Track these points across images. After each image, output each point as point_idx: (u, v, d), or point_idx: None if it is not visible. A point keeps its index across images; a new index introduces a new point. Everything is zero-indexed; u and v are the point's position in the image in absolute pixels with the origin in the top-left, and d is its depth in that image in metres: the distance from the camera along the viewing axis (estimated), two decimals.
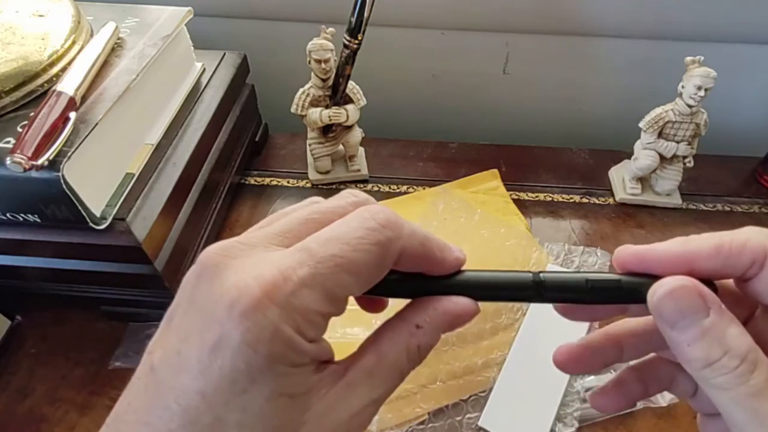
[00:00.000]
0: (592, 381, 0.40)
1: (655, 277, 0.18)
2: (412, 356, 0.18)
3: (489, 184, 0.56)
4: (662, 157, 0.52)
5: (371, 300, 0.21)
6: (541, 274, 0.19)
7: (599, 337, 0.22)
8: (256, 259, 0.16)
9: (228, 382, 0.15)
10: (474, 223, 0.51)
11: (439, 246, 0.20)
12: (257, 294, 0.15)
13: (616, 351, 0.21)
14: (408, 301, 0.20)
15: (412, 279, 0.19)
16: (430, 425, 0.39)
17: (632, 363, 0.23)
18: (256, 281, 0.15)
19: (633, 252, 0.19)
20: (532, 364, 0.41)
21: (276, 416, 0.16)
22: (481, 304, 0.20)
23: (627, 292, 0.19)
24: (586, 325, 0.42)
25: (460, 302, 0.19)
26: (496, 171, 0.57)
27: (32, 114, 0.34)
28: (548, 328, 0.42)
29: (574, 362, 0.21)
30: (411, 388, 0.40)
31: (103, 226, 0.36)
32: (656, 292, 0.18)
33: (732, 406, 0.17)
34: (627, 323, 0.22)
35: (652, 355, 0.22)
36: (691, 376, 0.18)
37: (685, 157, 0.52)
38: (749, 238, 0.18)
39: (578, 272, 0.20)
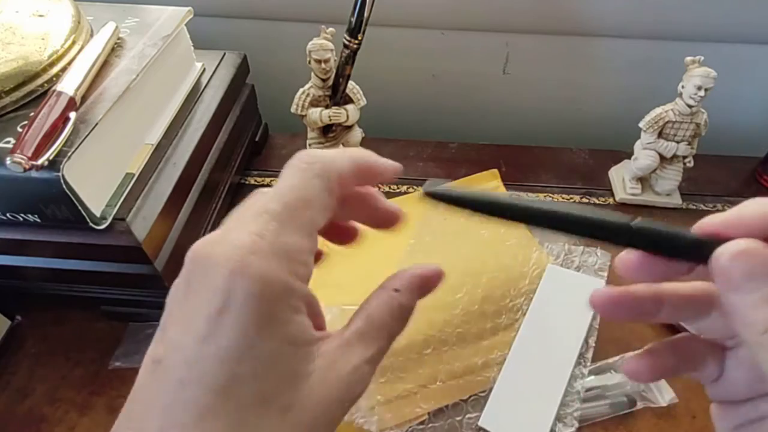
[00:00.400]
0: (593, 381, 0.40)
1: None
2: (395, 315, 0.20)
3: (489, 184, 0.56)
4: (662, 157, 0.52)
5: (339, 231, 0.24)
6: (633, 224, 0.20)
7: (642, 287, 0.22)
8: (231, 235, 0.18)
9: (238, 336, 0.16)
10: (474, 223, 0.51)
11: (371, 154, 0.22)
12: (244, 253, 0.17)
13: (656, 305, 0.21)
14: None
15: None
16: (430, 425, 0.39)
17: (666, 339, 0.23)
18: (237, 246, 0.17)
19: (719, 221, 0.19)
20: (532, 364, 0.41)
21: (284, 363, 0.17)
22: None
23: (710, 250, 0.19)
24: (587, 322, 0.42)
25: (426, 267, 0.22)
26: (496, 171, 0.57)
27: (32, 114, 0.33)
28: (549, 328, 0.43)
29: (611, 303, 0.21)
30: (411, 388, 0.40)
31: (103, 226, 0.36)
32: (724, 252, 0.18)
33: None
34: (673, 284, 0.22)
35: (686, 333, 0.23)
36: (719, 359, 0.19)
37: (685, 157, 0.52)
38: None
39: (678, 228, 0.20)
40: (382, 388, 0.39)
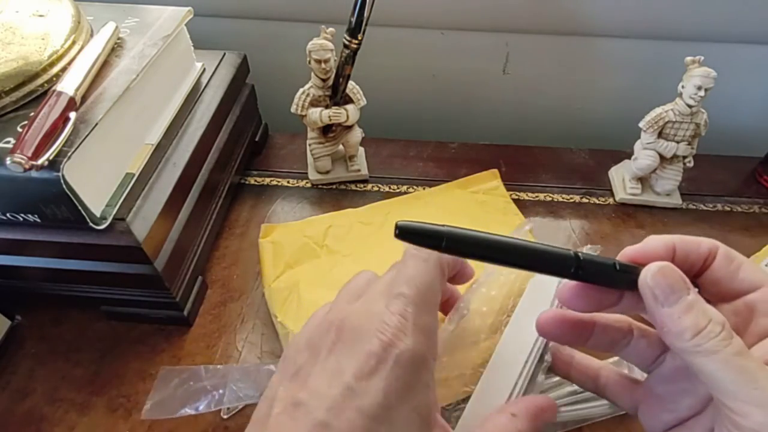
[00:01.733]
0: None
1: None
2: None
3: (489, 184, 0.56)
4: (662, 157, 0.52)
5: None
6: (579, 253, 0.22)
7: (578, 313, 0.25)
8: (375, 311, 0.21)
9: (382, 397, 0.19)
10: (473, 223, 0.51)
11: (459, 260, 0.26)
12: (394, 330, 0.20)
13: (588, 330, 0.25)
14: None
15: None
16: None
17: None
18: (387, 323, 0.20)
19: (629, 254, 0.23)
20: (505, 371, 0.41)
21: (409, 430, 0.20)
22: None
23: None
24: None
25: (544, 398, 0.25)
26: (496, 171, 0.57)
27: (32, 114, 0.33)
28: (526, 336, 0.42)
29: (554, 324, 0.25)
30: None
31: (103, 226, 0.36)
32: (647, 273, 0.21)
33: (721, 368, 0.19)
34: (600, 314, 0.25)
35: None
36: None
37: (685, 157, 0.52)
38: (703, 238, 0.23)
39: (608, 258, 0.22)
40: None
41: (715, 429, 0.21)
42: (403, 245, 0.22)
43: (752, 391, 0.18)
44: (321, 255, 0.48)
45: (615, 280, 0.22)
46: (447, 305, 0.30)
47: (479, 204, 0.53)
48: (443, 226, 0.20)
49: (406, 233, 0.20)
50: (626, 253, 0.23)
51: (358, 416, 0.19)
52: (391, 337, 0.20)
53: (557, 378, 0.40)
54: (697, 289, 0.21)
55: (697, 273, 0.23)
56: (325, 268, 0.47)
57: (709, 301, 0.23)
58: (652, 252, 0.22)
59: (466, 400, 0.35)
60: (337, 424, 0.18)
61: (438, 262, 0.23)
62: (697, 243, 0.23)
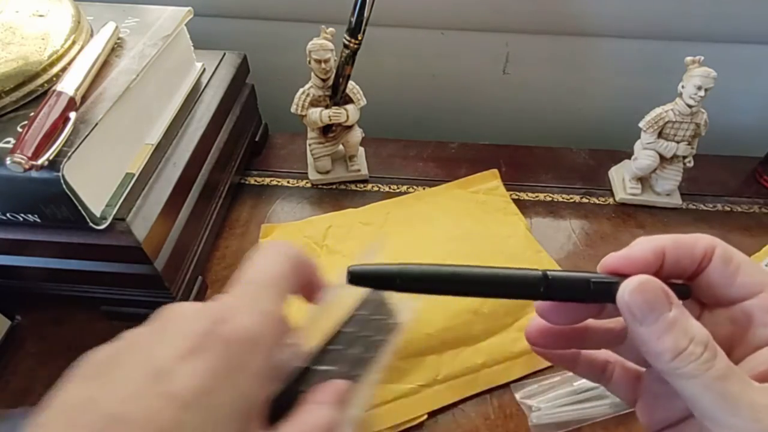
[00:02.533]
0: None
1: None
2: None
3: (489, 184, 0.56)
4: (662, 157, 0.52)
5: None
6: (548, 272, 0.20)
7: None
8: (209, 301, 0.19)
9: (199, 381, 0.16)
10: (473, 223, 0.51)
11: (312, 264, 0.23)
12: (226, 308, 0.18)
13: (581, 334, 0.24)
14: None
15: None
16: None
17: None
18: (219, 303, 0.19)
19: (611, 263, 0.21)
20: None
21: (235, 420, 0.17)
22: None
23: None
24: None
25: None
26: (496, 171, 0.57)
27: (32, 114, 0.33)
28: None
29: (540, 336, 0.24)
30: (411, 388, 0.40)
31: (103, 226, 0.36)
32: (626, 289, 0.19)
33: (701, 393, 0.18)
34: (598, 321, 0.24)
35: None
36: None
37: (685, 157, 0.52)
38: (699, 236, 0.21)
39: (581, 272, 0.21)
40: (379, 390, 0.39)
41: None
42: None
43: (731, 418, 0.17)
44: (321, 255, 0.48)
45: (591, 296, 0.21)
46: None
47: (479, 204, 0.53)
48: (396, 264, 0.20)
49: (357, 279, 0.20)
50: (608, 263, 0.21)
51: (165, 403, 0.15)
52: (223, 314, 0.18)
53: (557, 378, 0.40)
54: (681, 302, 0.19)
55: (691, 275, 0.22)
56: (325, 269, 0.47)
57: (704, 305, 0.22)
58: (638, 260, 0.21)
59: None
60: (133, 415, 0.15)
61: (290, 255, 0.21)
62: (691, 244, 0.21)
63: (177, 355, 0.16)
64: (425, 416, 0.39)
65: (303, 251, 0.22)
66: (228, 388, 0.16)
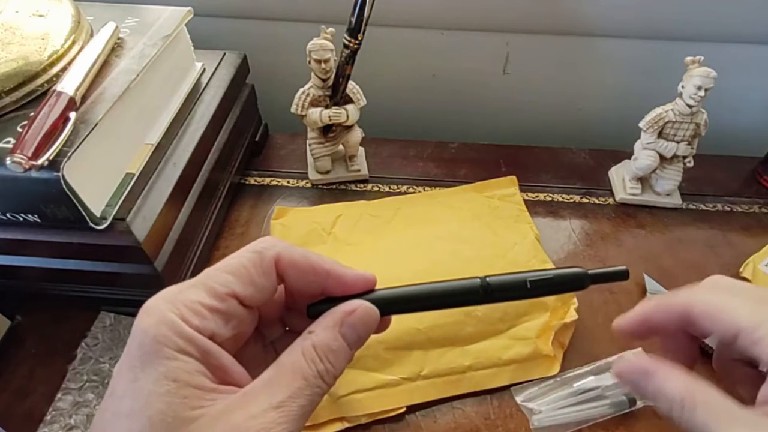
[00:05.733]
0: (592, 381, 0.40)
1: (584, 271, 0.23)
2: (309, 355, 0.20)
3: (506, 190, 0.55)
4: (662, 157, 0.52)
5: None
6: (487, 278, 0.22)
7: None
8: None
9: (126, 372, 0.18)
10: (481, 227, 0.50)
11: (329, 262, 0.22)
12: (155, 299, 0.19)
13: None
14: None
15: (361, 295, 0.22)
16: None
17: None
18: (158, 295, 0.20)
19: (627, 327, 0.24)
20: None
21: (161, 400, 0.17)
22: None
23: (561, 285, 0.23)
24: None
25: (348, 304, 0.22)
26: (514, 178, 0.56)
27: (32, 114, 0.33)
28: None
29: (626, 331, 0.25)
30: (392, 380, 0.39)
31: (103, 226, 0.36)
32: (613, 371, 0.23)
33: None
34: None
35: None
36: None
37: (685, 157, 0.52)
38: (673, 299, 0.24)
39: (520, 273, 0.23)
40: (360, 376, 0.39)
41: None
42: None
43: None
44: (327, 242, 0.49)
45: (530, 294, 0.22)
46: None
47: (492, 209, 0.53)
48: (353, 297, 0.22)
49: (314, 314, 0.22)
50: (623, 324, 0.24)
51: (108, 401, 0.18)
52: (149, 304, 0.19)
53: (557, 380, 0.40)
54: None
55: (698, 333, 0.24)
56: (329, 255, 0.47)
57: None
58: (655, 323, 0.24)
59: None
60: (111, 410, 0.18)
61: (257, 250, 0.21)
62: (663, 314, 0.24)
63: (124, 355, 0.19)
64: (403, 409, 0.39)
65: (283, 246, 0.22)
66: (149, 371, 0.18)
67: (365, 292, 0.22)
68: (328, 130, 0.55)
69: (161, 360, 0.18)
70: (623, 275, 0.23)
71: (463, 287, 0.22)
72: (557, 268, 0.23)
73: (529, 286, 0.22)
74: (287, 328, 0.25)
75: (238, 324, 0.20)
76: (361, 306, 0.21)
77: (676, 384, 0.21)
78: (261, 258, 0.21)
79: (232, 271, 0.20)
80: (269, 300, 0.22)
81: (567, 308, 0.43)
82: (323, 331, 0.21)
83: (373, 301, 0.22)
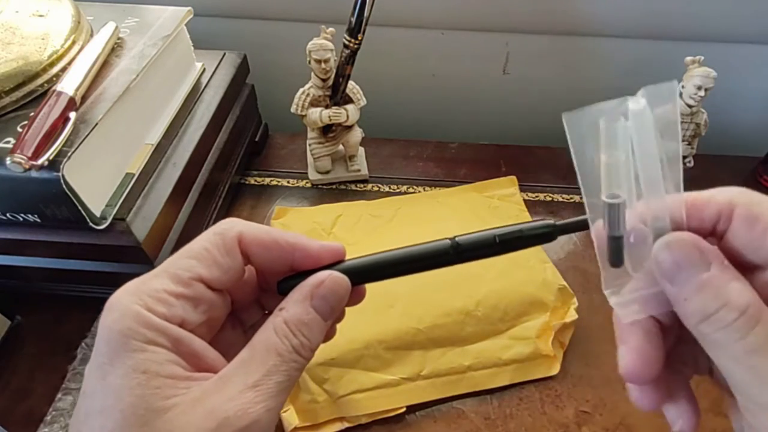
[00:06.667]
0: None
1: (551, 222, 0.21)
2: (282, 331, 0.20)
3: (506, 190, 0.55)
4: None
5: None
6: (456, 238, 0.23)
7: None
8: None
9: (95, 370, 0.18)
10: (481, 227, 0.50)
11: (294, 235, 0.22)
12: (118, 293, 0.19)
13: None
14: None
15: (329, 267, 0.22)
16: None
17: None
18: (120, 290, 0.19)
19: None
20: None
21: (132, 394, 0.17)
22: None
23: (530, 238, 0.22)
24: None
25: (315, 276, 0.21)
26: (514, 178, 0.56)
27: (32, 114, 0.34)
28: None
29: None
30: (392, 380, 0.39)
31: (103, 226, 0.36)
32: (658, 246, 0.18)
33: (731, 365, 0.16)
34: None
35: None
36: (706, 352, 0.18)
37: (685, 157, 0.52)
38: (714, 193, 0.19)
39: (488, 230, 0.23)
40: (360, 376, 0.39)
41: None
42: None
43: (760, 397, 0.16)
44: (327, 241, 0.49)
45: (499, 249, 0.22)
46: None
47: (491, 209, 0.53)
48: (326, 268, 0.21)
49: (284, 289, 0.21)
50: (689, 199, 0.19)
51: (81, 401, 0.18)
52: (113, 299, 0.19)
53: None
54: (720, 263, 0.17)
55: (716, 236, 0.19)
56: None
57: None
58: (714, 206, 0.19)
59: None
60: (82, 411, 0.18)
61: (218, 232, 0.21)
62: (702, 204, 0.19)
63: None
64: (403, 409, 0.39)
65: (245, 225, 0.21)
66: (118, 365, 0.17)
67: (335, 263, 0.22)
68: (328, 130, 0.55)
69: (129, 353, 0.17)
70: (587, 225, 0.21)
71: (434, 249, 0.22)
72: (525, 222, 0.22)
73: (497, 240, 0.22)
74: (266, 312, 0.24)
75: (208, 308, 0.20)
76: (330, 276, 0.21)
77: (746, 288, 0.17)
78: (222, 238, 0.20)
79: (195, 255, 0.20)
80: (239, 281, 0.21)
81: (567, 308, 0.43)
82: (294, 305, 0.20)
83: (343, 271, 0.21)
